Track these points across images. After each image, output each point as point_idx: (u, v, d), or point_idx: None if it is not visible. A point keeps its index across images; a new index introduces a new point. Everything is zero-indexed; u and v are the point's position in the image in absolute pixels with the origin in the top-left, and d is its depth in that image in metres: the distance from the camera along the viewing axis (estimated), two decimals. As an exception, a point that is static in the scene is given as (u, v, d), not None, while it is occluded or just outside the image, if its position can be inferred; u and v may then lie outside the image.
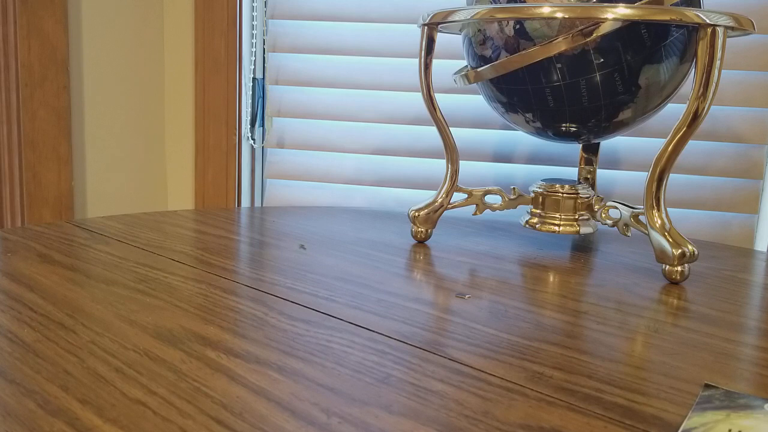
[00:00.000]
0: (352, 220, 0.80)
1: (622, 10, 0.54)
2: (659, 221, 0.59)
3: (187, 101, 1.07)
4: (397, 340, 0.43)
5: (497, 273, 0.60)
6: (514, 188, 0.72)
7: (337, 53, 0.99)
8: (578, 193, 0.68)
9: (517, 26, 0.59)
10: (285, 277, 0.56)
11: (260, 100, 1.03)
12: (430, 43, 0.66)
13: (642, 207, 0.62)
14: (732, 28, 0.56)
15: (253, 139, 1.04)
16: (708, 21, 0.55)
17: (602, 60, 0.58)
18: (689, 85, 0.61)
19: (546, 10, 0.56)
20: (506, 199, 0.73)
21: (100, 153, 1.01)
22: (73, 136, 0.97)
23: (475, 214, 0.73)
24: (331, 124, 1.02)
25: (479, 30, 0.63)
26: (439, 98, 0.97)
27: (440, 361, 0.40)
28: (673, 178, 0.93)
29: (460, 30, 0.69)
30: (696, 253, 0.59)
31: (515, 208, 0.74)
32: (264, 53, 1.03)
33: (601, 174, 0.94)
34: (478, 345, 0.43)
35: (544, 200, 0.69)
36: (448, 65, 0.96)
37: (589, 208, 0.69)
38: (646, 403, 0.36)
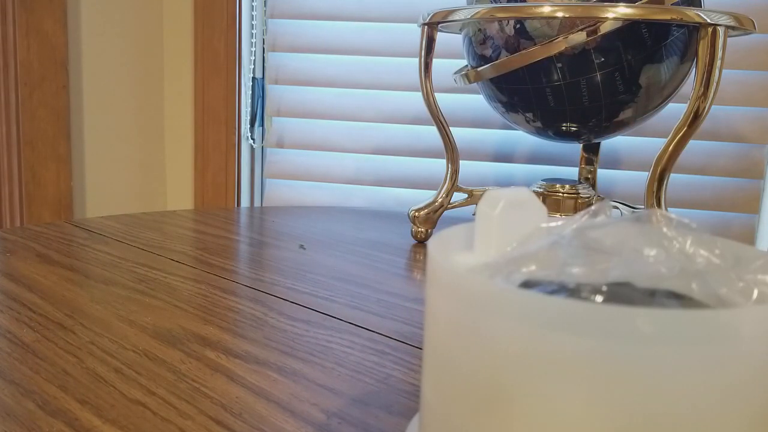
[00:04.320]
0: (352, 220, 0.80)
1: (622, 10, 0.54)
2: (660, 221, 0.59)
3: (187, 101, 1.07)
4: (397, 340, 0.43)
5: (497, 273, 0.60)
6: (514, 188, 0.72)
7: (337, 52, 0.99)
8: (579, 193, 0.68)
9: (518, 25, 0.59)
10: (285, 277, 0.55)
11: (260, 99, 1.03)
12: (430, 42, 0.66)
13: (643, 207, 0.62)
14: (733, 28, 0.56)
15: (253, 139, 1.04)
16: (709, 21, 0.54)
17: (603, 59, 0.58)
18: (690, 84, 0.60)
19: (546, 9, 0.56)
20: (506, 198, 0.72)
21: (99, 153, 1.01)
22: (72, 135, 0.97)
23: (474, 214, 0.73)
24: (331, 123, 1.02)
25: (479, 29, 0.63)
26: (439, 98, 0.97)
27: (440, 362, 0.40)
28: (674, 178, 0.93)
29: (460, 29, 0.69)
30: (697, 253, 0.59)
31: (515, 208, 0.74)
32: (264, 53, 1.03)
33: (602, 174, 0.94)
34: (479, 345, 0.43)
35: (545, 200, 0.69)
36: (448, 65, 0.96)
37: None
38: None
